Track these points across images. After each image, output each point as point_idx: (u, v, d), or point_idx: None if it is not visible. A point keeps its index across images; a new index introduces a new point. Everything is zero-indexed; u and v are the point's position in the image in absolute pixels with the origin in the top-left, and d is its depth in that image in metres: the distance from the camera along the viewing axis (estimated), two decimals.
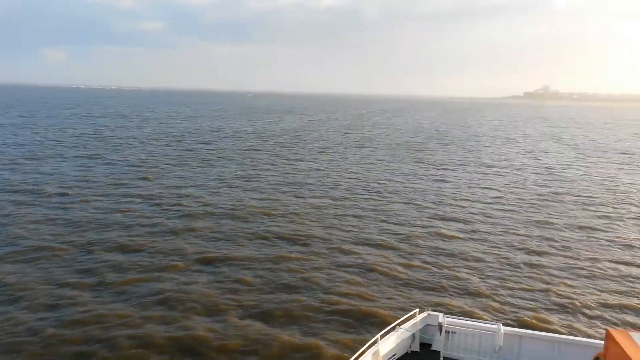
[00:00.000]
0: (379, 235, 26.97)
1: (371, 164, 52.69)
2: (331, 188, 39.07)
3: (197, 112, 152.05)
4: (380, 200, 35.10)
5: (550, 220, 30.81)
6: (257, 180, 41.14)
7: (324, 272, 21.45)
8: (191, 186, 38.09)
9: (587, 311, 18.54)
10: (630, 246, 26.04)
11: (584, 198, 37.75)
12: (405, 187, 40.34)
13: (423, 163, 54.24)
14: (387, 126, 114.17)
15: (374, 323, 17.03)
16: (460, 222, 30.08)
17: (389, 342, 12.39)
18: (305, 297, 18.99)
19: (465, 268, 22.41)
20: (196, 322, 16.86)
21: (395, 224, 29.24)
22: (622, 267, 22.89)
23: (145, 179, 40.34)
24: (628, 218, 32.06)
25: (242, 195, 35.58)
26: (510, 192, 39.13)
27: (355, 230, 27.78)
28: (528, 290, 20.12)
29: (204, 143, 66.91)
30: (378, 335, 12.05)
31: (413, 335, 13.19)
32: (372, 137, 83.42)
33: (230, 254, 23.28)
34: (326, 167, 49.21)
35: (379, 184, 41.37)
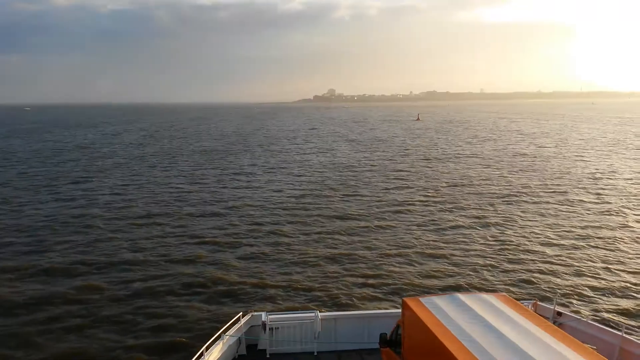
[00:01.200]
0: (188, 250, 25.24)
1: (174, 176, 49.78)
2: (127, 207, 35.32)
3: None
4: (186, 214, 32.98)
5: (350, 213, 33.09)
6: (34, 209, 34.96)
7: (127, 306, 18.93)
8: None
9: (390, 288, 20.25)
10: (426, 230, 29.45)
11: (379, 191, 41.77)
12: (211, 197, 38.96)
13: (228, 170, 53.55)
14: (193, 134, 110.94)
15: (200, 338, 15.68)
16: (268, 224, 30.11)
17: (215, 351, 11.76)
18: (115, 336, 16.36)
19: (281, 268, 22.25)
20: None
21: (202, 236, 27.74)
22: (418, 249, 25.69)
23: None
24: (424, 204, 36.39)
25: (14, 226, 29.75)
26: (311, 192, 41.05)
27: (161, 248, 25.49)
28: (339, 278, 21.06)
29: None
30: (203, 347, 11.22)
31: (239, 340, 12.87)
32: (175, 147, 79.64)
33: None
34: (121, 184, 44.62)
35: (183, 196, 39.12)
